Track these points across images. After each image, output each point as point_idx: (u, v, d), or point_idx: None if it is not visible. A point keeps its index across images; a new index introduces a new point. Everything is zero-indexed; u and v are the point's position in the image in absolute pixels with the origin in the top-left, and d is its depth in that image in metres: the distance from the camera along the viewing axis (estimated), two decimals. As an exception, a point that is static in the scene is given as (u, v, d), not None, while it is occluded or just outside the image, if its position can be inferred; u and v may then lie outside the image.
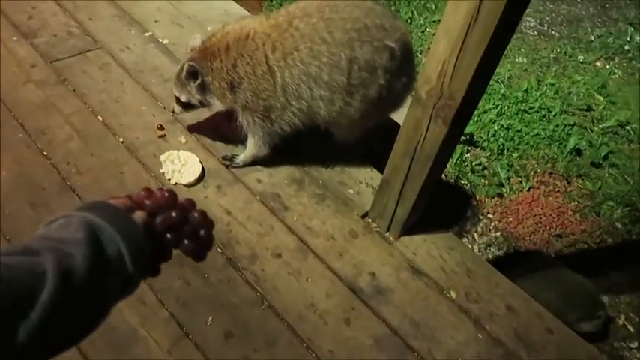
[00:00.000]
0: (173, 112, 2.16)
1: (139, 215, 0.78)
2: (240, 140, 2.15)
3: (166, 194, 0.83)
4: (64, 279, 0.62)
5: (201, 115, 2.24)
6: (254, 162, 2.14)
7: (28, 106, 2.23)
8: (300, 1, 1.93)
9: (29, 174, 1.97)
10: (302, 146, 2.27)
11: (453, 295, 1.85)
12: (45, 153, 2.06)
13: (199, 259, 0.88)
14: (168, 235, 0.82)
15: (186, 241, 0.84)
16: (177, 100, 2.06)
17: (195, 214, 0.86)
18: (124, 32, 2.71)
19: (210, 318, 1.67)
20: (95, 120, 2.22)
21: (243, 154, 2.13)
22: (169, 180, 2.02)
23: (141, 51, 2.61)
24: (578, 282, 2.39)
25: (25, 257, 0.62)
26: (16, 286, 0.58)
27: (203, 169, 2.08)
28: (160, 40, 2.67)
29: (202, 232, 0.86)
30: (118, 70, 2.49)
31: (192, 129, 2.26)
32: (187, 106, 2.06)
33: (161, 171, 2.04)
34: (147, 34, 2.72)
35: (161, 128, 2.23)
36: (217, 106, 2.00)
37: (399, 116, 2.55)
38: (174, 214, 0.82)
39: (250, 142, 2.08)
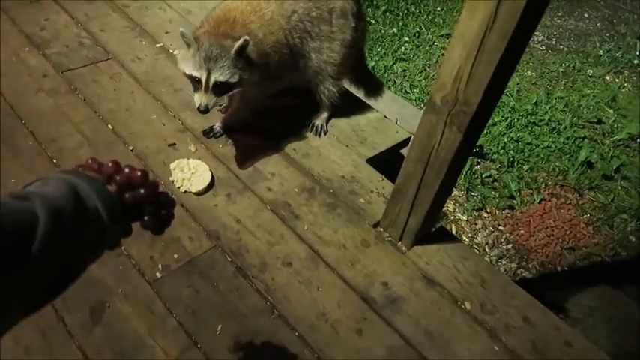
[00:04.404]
0: (204, 110, 1.83)
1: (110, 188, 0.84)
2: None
3: (139, 173, 0.87)
4: (54, 218, 0.65)
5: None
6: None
7: (39, 114, 2.23)
8: None
9: (39, 181, 1.96)
10: (311, 152, 2.26)
11: (468, 305, 1.81)
12: (54, 161, 2.05)
13: (157, 234, 0.94)
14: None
15: (146, 218, 0.89)
16: (220, 85, 1.82)
17: (161, 197, 0.91)
18: (136, 43, 2.73)
19: (220, 327, 1.63)
20: (105, 128, 2.22)
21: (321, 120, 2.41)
22: (179, 188, 2.00)
23: (151, 61, 2.62)
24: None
25: (17, 201, 0.65)
26: (17, 222, 0.61)
27: (213, 177, 2.06)
28: (171, 51, 2.68)
29: (164, 212, 0.91)
30: (129, 79, 2.50)
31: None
32: (227, 90, 1.87)
33: (170, 179, 2.03)
34: (158, 45, 2.74)
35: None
36: (251, 80, 1.90)
37: (407, 123, 2.55)
38: (142, 192, 0.86)
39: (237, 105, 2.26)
